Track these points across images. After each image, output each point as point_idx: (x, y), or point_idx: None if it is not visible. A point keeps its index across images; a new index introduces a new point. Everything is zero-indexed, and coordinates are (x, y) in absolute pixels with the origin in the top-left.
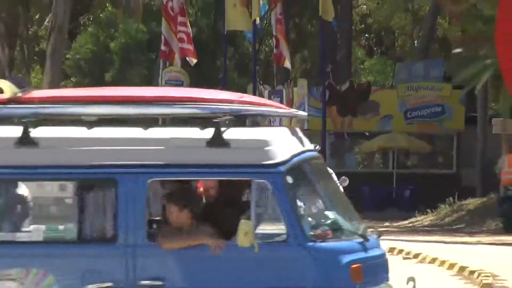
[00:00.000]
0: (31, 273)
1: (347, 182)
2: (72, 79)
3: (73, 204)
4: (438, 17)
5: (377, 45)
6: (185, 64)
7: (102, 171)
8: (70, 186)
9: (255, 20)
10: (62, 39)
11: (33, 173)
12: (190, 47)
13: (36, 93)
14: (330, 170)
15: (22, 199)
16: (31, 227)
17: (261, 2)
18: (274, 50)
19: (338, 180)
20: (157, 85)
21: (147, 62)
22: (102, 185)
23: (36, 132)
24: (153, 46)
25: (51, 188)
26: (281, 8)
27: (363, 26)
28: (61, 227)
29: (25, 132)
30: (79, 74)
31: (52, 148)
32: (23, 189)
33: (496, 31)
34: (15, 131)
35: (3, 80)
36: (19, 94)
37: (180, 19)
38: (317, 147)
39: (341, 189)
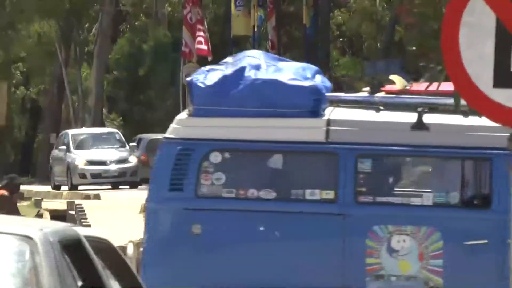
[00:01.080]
0: (422, 230)
1: None
2: (114, 72)
3: (456, 176)
4: (396, 25)
5: (349, 47)
6: (201, 60)
7: (478, 152)
8: (453, 163)
9: (254, 26)
10: (106, 43)
11: (425, 152)
12: (206, 47)
13: (418, 87)
14: None
15: (408, 171)
16: (423, 195)
17: (258, 14)
18: (270, 50)
19: None
20: (179, 77)
21: (171, 60)
22: (478, 162)
23: (427, 118)
24: (176, 48)
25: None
26: (275, 19)
27: (338, 32)
28: (446, 194)
29: (419, 118)
30: (118, 69)
31: (441, 132)
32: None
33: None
34: (408, 117)
35: (396, 76)
36: (407, 87)
37: (198, 26)
38: None
39: None
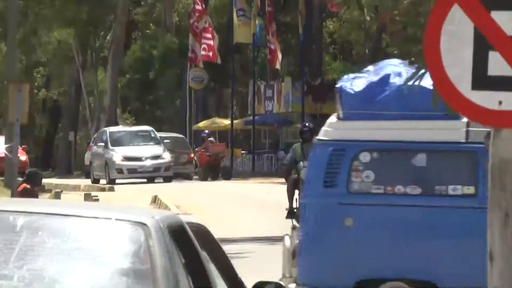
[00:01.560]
0: None
1: None
2: (126, 75)
3: None
4: (383, 33)
5: (340, 53)
6: (206, 65)
7: None
8: None
9: (253, 34)
10: (119, 49)
11: None
12: (210, 53)
13: None
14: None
15: None
16: None
17: (258, 23)
18: (268, 56)
19: None
20: (186, 80)
21: (179, 64)
22: None
23: None
24: (182, 53)
25: None
26: (275, 27)
27: (330, 40)
28: None
29: None
30: (131, 72)
31: None
32: None
33: (424, 48)
34: None
35: None
36: None
37: (204, 34)
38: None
39: None
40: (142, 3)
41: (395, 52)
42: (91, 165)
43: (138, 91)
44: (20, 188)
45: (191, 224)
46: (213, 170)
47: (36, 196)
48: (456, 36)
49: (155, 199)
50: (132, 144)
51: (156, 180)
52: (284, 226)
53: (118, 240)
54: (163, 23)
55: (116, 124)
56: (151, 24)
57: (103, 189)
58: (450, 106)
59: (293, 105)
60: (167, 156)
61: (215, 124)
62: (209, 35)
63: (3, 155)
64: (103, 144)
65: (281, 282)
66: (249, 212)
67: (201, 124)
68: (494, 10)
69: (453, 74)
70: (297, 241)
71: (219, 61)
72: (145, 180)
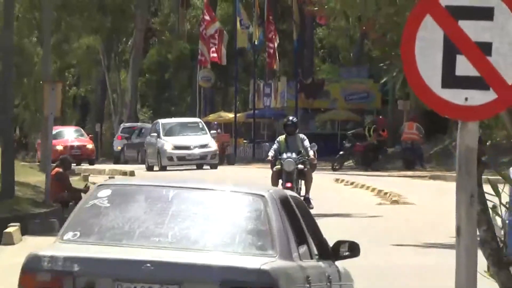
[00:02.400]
0: None
1: (316, 147)
2: (145, 76)
3: None
4: (365, 40)
5: (328, 56)
6: (213, 67)
7: None
8: None
9: (254, 41)
10: (139, 53)
11: None
12: (216, 55)
13: None
14: (303, 136)
15: None
16: None
17: (259, 32)
18: (267, 59)
19: (310, 145)
20: (196, 80)
21: (190, 66)
22: None
23: None
24: (193, 57)
25: None
26: (274, 32)
27: (320, 45)
28: None
29: None
30: (149, 73)
31: None
32: None
33: (401, 53)
34: None
35: None
36: None
37: (212, 40)
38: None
39: (312, 152)
40: (159, 13)
41: (376, 55)
42: (145, 153)
43: (155, 90)
44: (53, 172)
45: (292, 197)
46: (220, 157)
47: (67, 179)
48: (428, 42)
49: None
50: (182, 134)
51: (204, 167)
52: None
53: (244, 208)
54: (176, 31)
55: (136, 117)
56: (166, 32)
57: (124, 173)
58: (423, 102)
59: (288, 101)
60: (213, 145)
61: (221, 117)
62: (216, 41)
63: (74, 143)
64: (155, 134)
65: (356, 241)
66: None
67: (209, 117)
68: (461, 19)
69: (425, 74)
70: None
71: (224, 62)
72: (194, 167)
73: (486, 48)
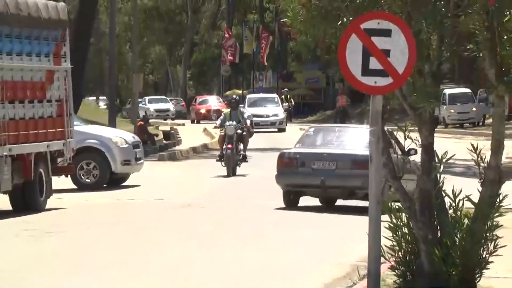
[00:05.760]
0: None
1: (252, 117)
2: (192, 69)
3: None
4: (318, 47)
5: (296, 57)
6: (230, 64)
7: None
8: None
9: (253, 49)
10: (187, 56)
11: None
12: (232, 57)
13: None
14: (243, 109)
15: None
16: None
17: (255, 44)
18: (261, 59)
19: (247, 116)
20: (220, 71)
21: (216, 64)
22: None
23: None
24: (218, 58)
25: None
26: (266, 44)
27: (291, 50)
28: None
29: None
30: (193, 68)
31: None
32: None
33: (338, 55)
34: None
35: None
36: None
37: (229, 49)
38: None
39: (248, 121)
40: (199, 33)
41: (324, 57)
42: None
43: (197, 77)
44: (138, 124)
45: None
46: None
47: (146, 130)
48: (354, 49)
49: (204, 129)
50: (261, 106)
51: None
52: None
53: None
54: (209, 42)
55: (185, 92)
56: (203, 44)
57: (181, 125)
58: (351, 84)
59: (272, 83)
60: (282, 115)
61: (235, 93)
62: (232, 49)
63: (216, 107)
64: (243, 105)
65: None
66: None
67: (227, 92)
68: (373, 36)
69: (352, 68)
70: None
71: (237, 61)
72: (268, 130)
73: (386, 53)
